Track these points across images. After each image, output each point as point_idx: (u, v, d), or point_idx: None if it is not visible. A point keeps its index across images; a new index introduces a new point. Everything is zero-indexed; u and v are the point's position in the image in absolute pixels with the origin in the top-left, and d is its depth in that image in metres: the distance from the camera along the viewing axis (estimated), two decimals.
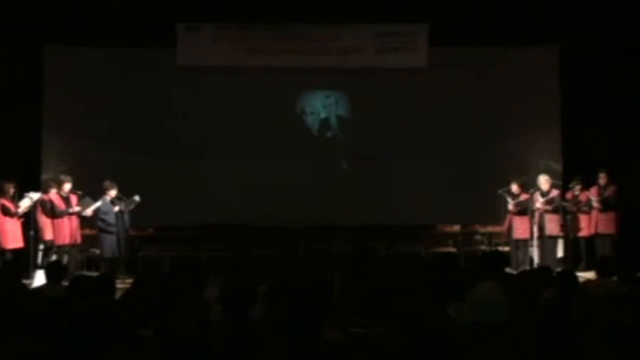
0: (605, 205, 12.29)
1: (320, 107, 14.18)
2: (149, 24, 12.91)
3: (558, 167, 13.60)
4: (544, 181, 12.44)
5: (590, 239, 12.58)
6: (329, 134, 14.19)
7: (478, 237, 13.80)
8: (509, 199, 12.45)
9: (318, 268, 7.38)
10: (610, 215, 12.27)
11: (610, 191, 12.30)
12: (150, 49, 13.35)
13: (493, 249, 12.79)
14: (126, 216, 12.36)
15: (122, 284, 9.10)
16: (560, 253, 12.73)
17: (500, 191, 12.48)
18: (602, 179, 12.37)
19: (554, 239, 12.49)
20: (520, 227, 12.43)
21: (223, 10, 13.11)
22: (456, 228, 13.91)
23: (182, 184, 13.37)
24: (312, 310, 4.25)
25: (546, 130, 13.69)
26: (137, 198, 12.31)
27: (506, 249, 12.60)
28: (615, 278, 6.58)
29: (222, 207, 13.40)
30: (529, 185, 12.57)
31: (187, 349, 3.72)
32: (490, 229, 13.61)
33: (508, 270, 9.43)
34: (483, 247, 13.47)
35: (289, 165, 13.62)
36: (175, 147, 13.55)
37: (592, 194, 12.43)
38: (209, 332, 4.14)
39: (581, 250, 12.71)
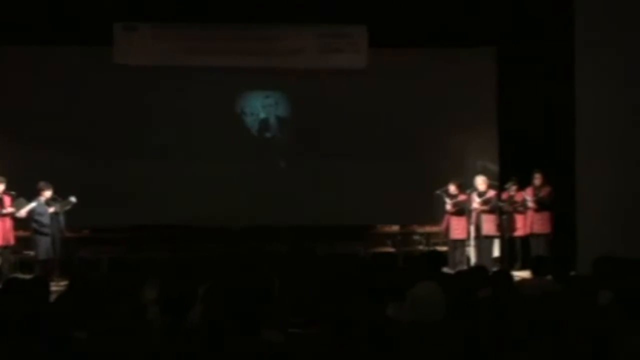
0: (540, 205, 12.50)
1: (260, 107, 14.17)
2: (85, 22, 12.70)
3: (495, 167, 13.82)
4: (481, 182, 12.61)
5: (525, 239, 12.76)
6: (268, 135, 14.17)
7: (416, 237, 13.93)
8: (447, 200, 12.59)
9: (257, 268, 7.36)
10: (545, 215, 12.48)
11: (545, 192, 12.51)
12: (87, 48, 13.16)
13: (431, 249, 12.92)
14: (61, 217, 12.14)
15: (57, 286, 8.93)
16: (496, 253, 12.91)
17: (438, 191, 12.61)
18: (537, 179, 12.57)
19: (490, 238, 12.66)
20: (458, 227, 12.58)
21: (162, 9, 12.97)
22: (395, 228, 14.02)
23: (119, 185, 13.20)
24: (251, 311, 4.24)
25: (483, 131, 13.91)
26: (72, 199, 12.11)
27: (444, 248, 12.73)
28: (549, 277, 6.69)
29: (160, 208, 13.28)
30: (466, 186, 12.73)
31: (123, 351, 3.69)
32: (428, 229, 13.75)
33: (446, 270, 9.55)
34: (421, 247, 13.60)
35: (228, 165, 13.58)
36: (111, 147, 13.39)
37: (528, 194, 12.63)
38: (146, 334, 4.10)
39: (517, 250, 12.89)
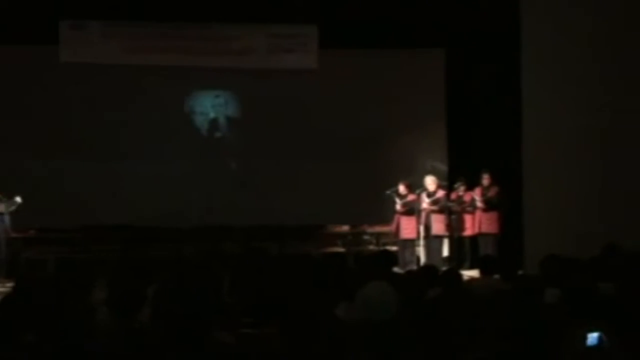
0: (488, 205, 12.62)
1: (210, 107, 14.11)
2: (31, 21, 12.50)
3: (444, 168, 13.96)
4: (430, 182, 12.68)
5: (474, 238, 12.89)
6: (218, 134, 14.12)
7: (367, 237, 13.99)
8: (397, 200, 12.63)
9: (208, 269, 7.33)
10: (493, 215, 12.61)
11: (493, 192, 12.64)
12: (34, 47, 12.98)
13: (381, 248, 12.97)
14: (7, 217, 11.95)
15: (2, 287, 8.80)
16: (445, 252, 13.01)
17: (388, 192, 12.65)
18: (486, 179, 12.69)
19: (439, 238, 12.74)
20: (408, 227, 12.62)
21: (110, 7, 12.82)
22: (345, 228, 14.06)
23: (67, 184, 13.05)
24: (201, 312, 4.21)
25: (432, 132, 14.05)
26: (18, 199, 11.92)
27: (394, 248, 12.78)
28: (497, 276, 6.76)
29: (108, 208, 13.12)
30: (416, 186, 12.80)
31: (73, 353, 3.64)
32: (378, 229, 13.81)
33: (396, 269, 9.59)
34: (372, 247, 13.65)
35: (178, 165, 13.52)
36: (59, 146, 13.21)
37: (476, 195, 12.75)
38: (95, 335, 4.06)
39: (465, 249, 13.02)
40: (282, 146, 13.64)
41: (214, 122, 14.08)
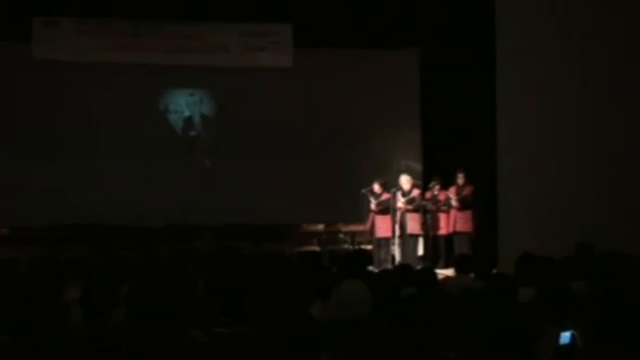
0: (463, 204, 12.69)
1: (184, 105, 14.08)
2: (4, 17, 12.38)
3: (418, 167, 14.03)
4: (405, 181, 12.72)
5: (449, 237, 12.96)
6: (192, 133, 14.09)
7: (341, 235, 13.98)
8: (372, 199, 12.67)
9: (181, 268, 7.31)
10: (468, 214, 12.68)
11: (467, 191, 12.71)
12: (6, 43, 12.87)
13: (356, 247, 13.00)
14: None
15: None
16: (420, 251, 13.06)
17: (363, 190, 12.68)
18: (460, 179, 12.76)
19: (414, 237, 12.80)
20: (383, 226, 12.66)
21: (84, 4, 12.75)
22: (320, 227, 14.03)
23: (39, 183, 12.94)
24: (175, 311, 4.20)
25: (407, 131, 14.13)
26: None
27: (369, 247, 12.82)
28: (472, 275, 6.80)
29: (81, 207, 12.99)
30: (390, 185, 12.83)
31: (46, 353, 3.61)
32: (353, 228, 13.81)
33: (371, 268, 9.62)
34: (346, 246, 13.66)
35: (152, 163, 13.43)
36: (30, 144, 13.11)
37: (451, 194, 12.81)
38: (69, 335, 4.03)
39: (440, 248, 13.08)
40: (257, 144, 13.62)
41: (188, 121, 14.05)
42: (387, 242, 12.72)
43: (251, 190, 13.47)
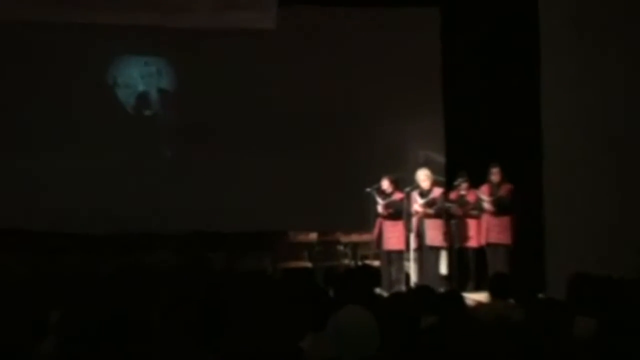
0: (499, 207, 12.62)
1: (138, 77, 14.14)
2: None
3: (440, 159, 14.00)
4: (423, 177, 12.66)
5: (480, 251, 12.91)
6: (148, 112, 14.14)
7: (340, 247, 13.99)
8: (379, 199, 12.61)
9: (131, 287, 7.30)
10: (505, 220, 12.60)
11: (504, 190, 12.64)
12: None
13: (359, 263, 12.98)
14: None
15: None
16: (443, 268, 13.02)
17: (368, 189, 12.63)
18: (495, 175, 12.69)
19: (435, 250, 12.75)
20: (393, 236, 12.61)
21: None
22: (312, 236, 14.06)
23: None
24: (118, 343, 4.17)
25: (426, 114, 14.09)
26: None
27: (376, 263, 12.79)
28: (511, 300, 6.76)
29: (5, 210, 12.94)
30: (404, 182, 12.79)
31: None
32: (355, 237, 13.85)
33: (379, 291, 9.59)
34: (347, 262, 13.66)
35: (97, 153, 13.45)
36: None
37: (483, 194, 12.75)
38: None
39: (469, 265, 13.04)
40: (231, 129, 13.64)
41: (142, 97, 14.09)
42: (399, 256, 12.68)
43: (225, 188, 13.47)
